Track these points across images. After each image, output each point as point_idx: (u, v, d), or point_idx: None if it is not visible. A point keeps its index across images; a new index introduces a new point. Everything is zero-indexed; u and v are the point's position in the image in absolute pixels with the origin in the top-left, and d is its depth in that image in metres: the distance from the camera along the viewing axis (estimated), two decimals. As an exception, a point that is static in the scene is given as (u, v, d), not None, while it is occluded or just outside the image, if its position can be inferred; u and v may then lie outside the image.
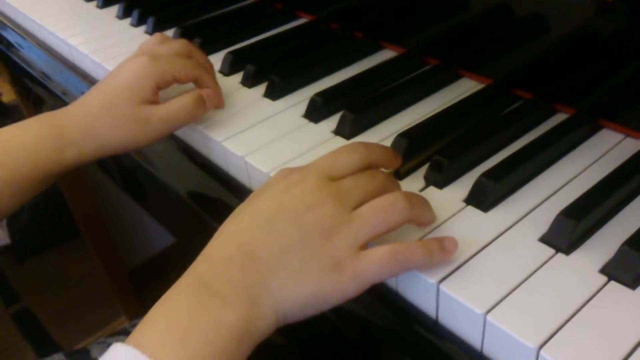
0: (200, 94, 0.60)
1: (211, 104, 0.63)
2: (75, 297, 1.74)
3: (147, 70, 0.59)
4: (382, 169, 0.48)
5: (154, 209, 0.89)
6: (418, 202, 0.45)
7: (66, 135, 0.60)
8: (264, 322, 0.42)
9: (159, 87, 0.60)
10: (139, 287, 1.75)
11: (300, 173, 0.45)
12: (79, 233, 1.64)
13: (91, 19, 0.93)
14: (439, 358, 0.43)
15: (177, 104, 0.59)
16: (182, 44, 0.64)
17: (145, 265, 1.78)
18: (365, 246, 0.43)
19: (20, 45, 0.99)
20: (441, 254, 0.43)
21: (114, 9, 0.94)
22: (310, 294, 0.42)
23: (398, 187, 0.48)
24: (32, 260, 1.89)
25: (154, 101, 0.60)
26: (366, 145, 0.47)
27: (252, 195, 0.47)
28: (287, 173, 0.46)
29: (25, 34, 0.99)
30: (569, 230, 0.44)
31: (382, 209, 0.43)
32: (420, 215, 0.46)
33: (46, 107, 1.04)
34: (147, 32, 0.86)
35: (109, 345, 0.41)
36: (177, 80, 0.61)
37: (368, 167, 0.47)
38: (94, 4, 0.98)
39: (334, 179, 0.45)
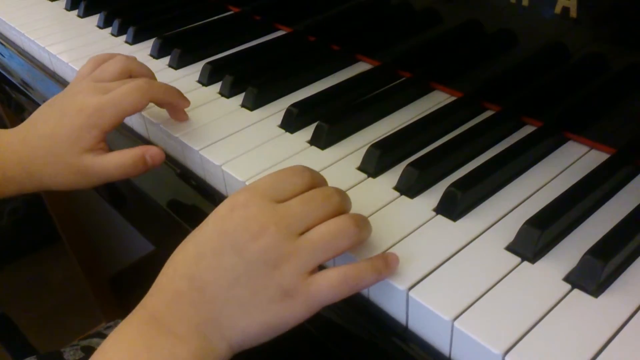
0: (142, 154, 0.58)
1: (156, 163, 0.59)
2: (55, 303, 1.73)
3: (91, 121, 0.57)
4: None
5: (133, 216, 0.89)
6: (365, 225, 0.45)
7: (8, 171, 0.59)
8: (217, 355, 0.42)
9: (106, 134, 0.58)
10: (119, 293, 1.74)
11: (243, 195, 0.44)
12: (59, 239, 1.64)
13: (72, 27, 0.94)
14: (409, 364, 0.44)
15: (113, 162, 0.57)
16: (120, 63, 0.62)
17: (125, 272, 1.78)
18: (315, 270, 0.43)
19: (1, 54, 1.00)
20: (387, 271, 0.44)
21: (95, 18, 0.95)
22: (261, 324, 0.42)
23: (350, 205, 0.47)
24: (11, 265, 1.87)
25: (99, 148, 0.58)
26: (311, 170, 0.47)
27: (200, 225, 0.45)
28: (229, 198, 0.45)
29: (6, 41, 0.99)
30: (534, 240, 0.45)
31: (332, 236, 0.42)
32: (365, 238, 0.45)
33: (27, 114, 1.04)
34: (127, 41, 0.87)
35: (82, 348, 0.41)
36: (128, 115, 0.59)
37: (317, 187, 0.46)
38: (75, 13, 0.99)
39: (279, 201, 0.44)
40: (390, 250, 0.47)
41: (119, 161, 0.57)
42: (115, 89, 0.58)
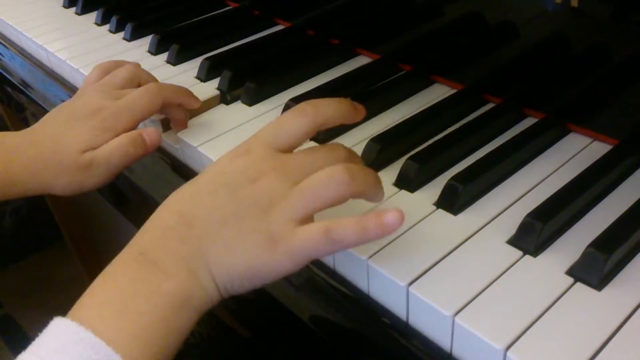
0: (139, 133, 0.58)
1: (154, 143, 0.59)
2: (58, 303, 1.73)
3: (107, 124, 0.57)
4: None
5: (135, 216, 0.89)
6: (361, 174, 0.42)
7: (13, 173, 0.59)
8: (206, 292, 0.42)
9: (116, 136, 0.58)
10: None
11: (246, 144, 0.44)
12: (62, 238, 1.64)
13: (70, 25, 0.93)
14: (409, 360, 0.44)
15: (112, 145, 0.57)
16: (130, 71, 0.63)
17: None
18: (306, 221, 0.41)
19: (0, 53, 0.99)
20: (378, 228, 0.40)
21: (93, 16, 0.94)
22: (245, 266, 0.41)
23: (358, 162, 0.45)
24: (14, 265, 1.87)
25: (97, 145, 0.58)
26: (314, 104, 0.45)
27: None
28: (235, 148, 0.45)
29: (4, 40, 0.99)
30: (536, 233, 0.45)
31: (317, 183, 0.41)
32: (363, 190, 0.42)
33: (28, 114, 1.04)
34: (125, 38, 0.86)
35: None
36: (144, 119, 0.60)
37: (322, 127, 0.45)
38: (73, 10, 0.98)
39: (283, 148, 0.44)
40: (390, 245, 0.46)
41: (117, 143, 0.57)
42: (127, 95, 0.59)
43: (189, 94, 0.63)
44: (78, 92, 0.64)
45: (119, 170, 0.59)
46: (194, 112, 0.66)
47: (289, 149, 0.44)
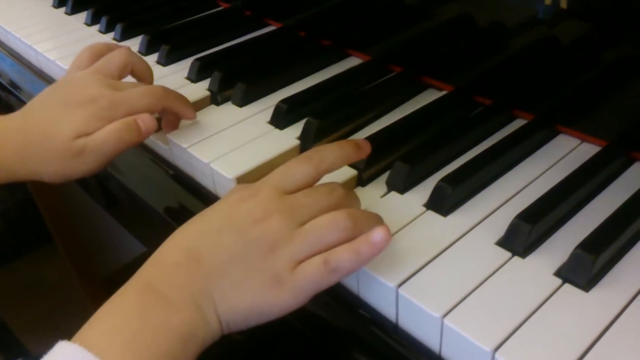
0: (134, 119, 0.56)
1: (149, 130, 0.57)
2: (48, 305, 1.73)
3: (103, 113, 0.56)
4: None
5: (125, 218, 0.89)
6: (363, 221, 0.44)
7: (2, 157, 0.58)
8: (209, 328, 0.42)
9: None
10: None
11: (254, 187, 0.46)
12: (51, 240, 1.63)
13: (60, 25, 0.93)
14: (399, 361, 0.44)
15: (106, 130, 0.56)
16: (124, 57, 0.62)
17: (120, 272, 1.77)
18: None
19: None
20: (369, 249, 0.42)
21: (83, 16, 0.94)
22: (250, 305, 0.43)
23: (357, 202, 0.48)
24: (4, 267, 1.86)
25: (90, 132, 0.56)
26: (318, 151, 0.47)
27: (208, 208, 0.47)
28: (242, 187, 0.47)
29: (-7, 40, 0.98)
30: (524, 234, 0.45)
31: (322, 228, 0.43)
32: (365, 231, 0.44)
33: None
34: (115, 38, 0.86)
35: None
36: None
37: (327, 172, 0.47)
38: (62, 10, 0.98)
39: (288, 192, 0.45)
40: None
41: (112, 128, 0.56)
42: (129, 89, 0.58)
43: (188, 104, 0.62)
44: (68, 76, 0.63)
45: (111, 157, 0.57)
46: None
47: (292, 193, 0.46)
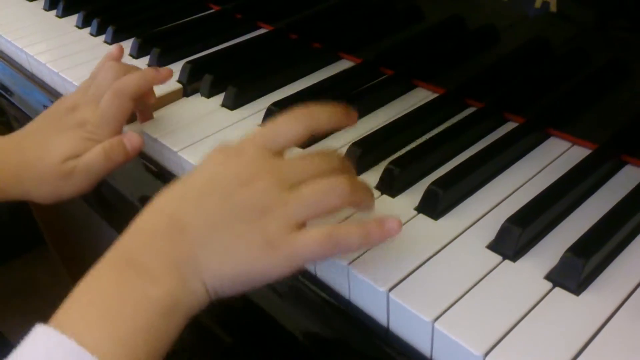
0: (120, 139, 0.58)
1: (135, 148, 0.59)
2: (40, 307, 1.72)
3: (94, 137, 0.58)
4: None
5: (116, 222, 0.88)
6: (360, 188, 0.44)
7: None
8: (194, 297, 0.41)
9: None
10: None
11: (238, 145, 0.44)
12: (44, 242, 1.62)
13: (51, 27, 0.93)
14: (390, 366, 0.44)
15: (94, 152, 0.57)
16: (110, 74, 0.61)
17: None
18: (301, 226, 0.42)
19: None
20: (380, 234, 0.42)
21: (74, 18, 0.94)
22: (239, 269, 0.41)
23: (353, 172, 0.46)
24: (-4, 269, 1.86)
25: (80, 154, 0.58)
26: (307, 109, 0.45)
27: (190, 170, 0.45)
28: (225, 146, 0.45)
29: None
30: (515, 238, 0.45)
31: (322, 191, 0.42)
32: (361, 200, 0.44)
33: (10, 118, 1.03)
34: (106, 41, 0.86)
35: None
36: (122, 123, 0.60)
37: (315, 132, 0.45)
38: (54, 13, 0.97)
39: (275, 150, 0.44)
40: (370, 251, 0.46)
41: (99, 150, 0.57)
42: (100, 103, 0.59)
43: (152, 74, 0.61)
44: (68, 97, 0.64)
45: (100, 177, 0.58)
46: (176, 115, 0.65)
47: (281, 152, 0.44)
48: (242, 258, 0.41)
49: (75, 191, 0.59)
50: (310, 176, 0.42)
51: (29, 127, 0.62)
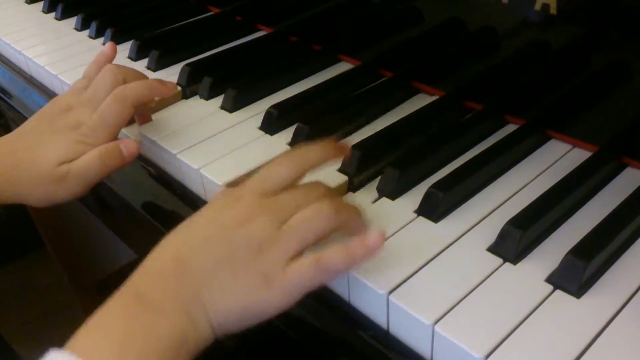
0: (116, 145, 0.58)
1: (132, 154, 0.59)
2: (40, 310, 1.72)
3: (88, 140, 0.58)
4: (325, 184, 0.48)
5: (116, 224, 0.88)
6: (344, 209, 0.45)
7: None
8: (201, 333, 0.43)
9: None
10: (106, 299, 1.73)
11: (237, 193, 0.46)
12: (42, 244, 1.62)
13: (50, 30, 0.93)
14: (391, 369, 0.44)
15: (89, 156, 0.57)
16: (109, 76, 0.61)
17: (111, 277, 1.76)
18: (298, 257, 0.43)
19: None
20: (363, 251, 0.43)
21: (73, 21, 0.94)
22: (241, 307, 0.43)
23: (337, 198, 0.48)
24: (-5, 272, 1.85)
25: (74, 158, 0.58)
26: (298, 151, 0.48)
27: (194, 214, 0.47)
28: (226, 193, 0.48)
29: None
30: (516, 240, 0.45)
31: (306, 219, 0.43)
32: (347, 221, 0.45)
33: (9, 120, 1.03)
34: (104, 44, 0.86)
35: None
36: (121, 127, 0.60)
37: (307, 171, 0.47)
38: (52, 15, 0.97)
39: (270, 194, 0.45)
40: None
41: (93, 155, 0.57)
42: (100, 107, 0.59)
43: (159, 82, 0.62)
44: (61, 97, 0.63)
45: (94, 182, 0.59)
46: (175, 117, 0.65)
47: (275, 194, 0.46)
48: (242, 295, 0.43)
49: (69, 195, 0.59)
50: (298, 207, 0.44)
51: (22, 129, 0.61)
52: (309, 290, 0.43)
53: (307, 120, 0.60)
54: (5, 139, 0.61)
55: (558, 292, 0.42)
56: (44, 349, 0.40)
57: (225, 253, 0.43)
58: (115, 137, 0.59)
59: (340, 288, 0.47)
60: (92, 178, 0.58)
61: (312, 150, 0.48)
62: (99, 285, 1.72)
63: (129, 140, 0.59)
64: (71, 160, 0.58)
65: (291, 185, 0.46)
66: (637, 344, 0.39)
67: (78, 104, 0.61)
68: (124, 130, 0.66)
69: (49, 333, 1.60)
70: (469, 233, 0.48)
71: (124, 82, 0.61)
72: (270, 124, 0.63)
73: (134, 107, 0.59)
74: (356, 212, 0.47)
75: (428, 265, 0.45)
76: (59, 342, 0.41)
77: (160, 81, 0.62)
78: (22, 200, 0.60)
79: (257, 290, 0.42)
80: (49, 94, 0.81)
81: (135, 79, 0.62)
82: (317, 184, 0.47)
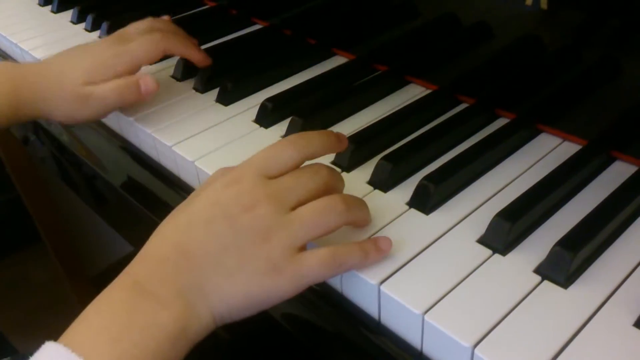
0: (136, 80, 0.63)
1: (149, 90, 0.63)
2: (37, 303, 1.72)
3: (109, 62, 0.63)
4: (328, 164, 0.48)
5: (112, 217, 0.89)
6: (355, 205, 0.46)
7: (22, 94, 0.64)
8: (200, 323, 0.42)
9: (115, 77, 0.63)
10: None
11: (237, 172, 0.45)
12: (39, 238, 1.62)
13: (45, 23, 0.93)
14: (382, 358, 0.44)
15: (111, 85, 0.62)
16: (145, 23, 0.68)
17: (108, 271, 1.77)
18: (303, 248, 0.43)
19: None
20: (376, 254, 0.44)
21: (69, 14, 0.94)
22: (245, 295, 0.42)
23: (341, 183, 0.48)
24: (-8, 265, 1.86)
25: (97, 81, 0.62)
26: (302, 136, 0.47)
27: (190, 195, 0.46)
28: (224, 172, 0.46)
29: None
30: (505, 232, 0.45)
31: (320, 212, 0.43)
32: (357, 217, 0.46)
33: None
34: (100, 37, 0.86)
35: None
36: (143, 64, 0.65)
37: (310, 159, 0.47)
38: (49, 8, 0.98)
39: (272, 176, 0.45)
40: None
41: (115, 84, 0.62)
42: (133, 41, 0.64)
43: (191, 45, 0.69)
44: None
45: (113, 109, 0.65)
46: (170, 110, 0.66)
47: (277, 176, 0.45)
48: (249, 282, 0.42)
49: (91, 115, 0.64)
50: (306, 193, 0.44)
51: (50, 59, 0.67)
52: (316, 283, 0.43)
53: (302, 113, 0.61)
54: (33, 64, 0.68)
55: (546, 282, 0.43)
56: (40, 343, 0.40)
57: (229, 239, 0.42)
58: (135, 70, 0.64)
59: (332, 279, 0.47)
60: (111, 105, 0.63)
61: (317, 137, 0.47)
62: (95, 279, 1.72)
63: (147, 78, 0.63)
64: (95, 83, 0.62)
65: (292, 169, 0.46)
66: (622, 333, 0.39)
67: (135, 32, 0.67)
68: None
69: (45, 327, 1.60)
70: (459, 225, 0.49)
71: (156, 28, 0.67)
72: (265, 117, 0.63)
73: (163, 53, 0.65)
74: (365, 208, 0.47)
75: (419, 256, 0.46)
76: (56, 335, 0.40)
77: (196, 46, 0.70)
78: (50, 115, 0.65)
79: (265, 277, 0.42)
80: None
81: (166, 24, 0.69)
82: (319, 166, 0.46)
